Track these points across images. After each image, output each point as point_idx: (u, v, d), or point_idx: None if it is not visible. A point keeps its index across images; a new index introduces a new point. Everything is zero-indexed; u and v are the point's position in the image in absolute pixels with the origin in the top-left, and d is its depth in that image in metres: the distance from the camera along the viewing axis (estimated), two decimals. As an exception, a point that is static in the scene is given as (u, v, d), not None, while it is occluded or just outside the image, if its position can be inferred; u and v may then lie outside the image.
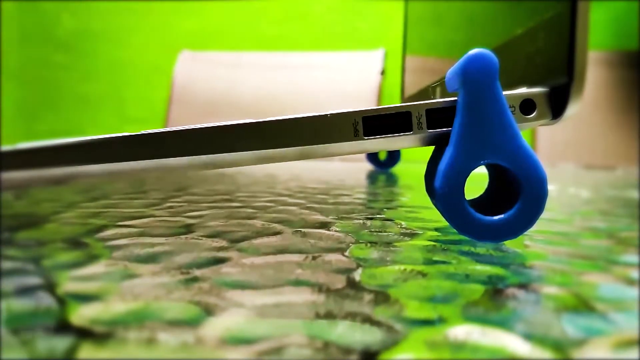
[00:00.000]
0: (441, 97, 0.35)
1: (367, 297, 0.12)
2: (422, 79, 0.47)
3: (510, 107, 0.17)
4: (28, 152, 0.17)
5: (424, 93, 0.42)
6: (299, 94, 1.01)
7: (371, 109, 0.17)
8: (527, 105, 0.18)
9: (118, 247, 0.17)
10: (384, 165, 0.58)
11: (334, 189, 0.37)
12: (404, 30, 0.57)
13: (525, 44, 0.21)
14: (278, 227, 0.20)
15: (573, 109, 0.17)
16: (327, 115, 0.17)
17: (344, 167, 0.64)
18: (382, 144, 0.18)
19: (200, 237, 0.18)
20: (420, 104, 0.17)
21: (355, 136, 0.17)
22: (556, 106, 0.18)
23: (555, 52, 0.18)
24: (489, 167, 0.20)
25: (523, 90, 0.18)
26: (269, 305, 0.12)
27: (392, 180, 0.48)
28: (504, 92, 0.17)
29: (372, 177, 0.51)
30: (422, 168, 0.25)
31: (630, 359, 0.09)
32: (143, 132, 0.17)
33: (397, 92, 1.05)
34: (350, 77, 1.02)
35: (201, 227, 0.20)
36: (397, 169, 0.61)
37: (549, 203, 0.31)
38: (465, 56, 0.17)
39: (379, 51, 1.01)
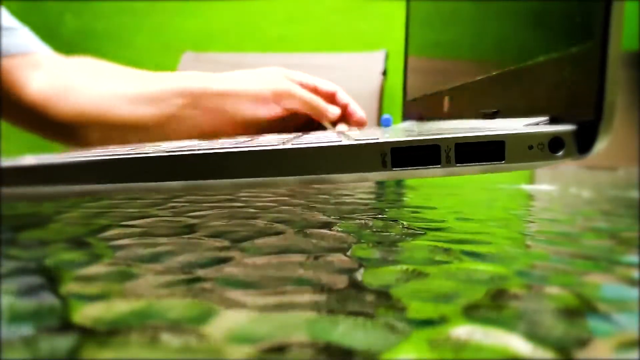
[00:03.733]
0: (449, 107, 0.35)
1: (369, 297, 0.12)
2: (425, 80, 0.47)
3: (538, 144, 0.17)
4: (60, 167, 0.17)
5: (430, 100, 0.42)
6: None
7: (400, 141, 0.17)
8: (555, 143, 0.17)
9: (121, 247, 0.17)
10: None
11: (336, 188, 0.37)
12: (406, 30, 0.57)
13: (551, 73, 0.20)
14: (280, 227, 0.20)
15: (601, 146, 0.17)
16: (355, 144, 0.17)
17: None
18: (409, 175, 0.18)
19: (202, 237, 0.18)
20: (450, 137, 0.17)
21: (384, 167, 0.17)
22: (583, 142, 0.17)
23: (583, 87, 0.17)
24: None
25: (551, 127, 0.17)
26: (271, 305, 0.12)
27: (395, 180, 0.48)
28: (533, 129, 0.17)
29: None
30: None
31: None
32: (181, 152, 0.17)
33: (399, 92, 1.05)
34: (352, 78, 1.02)
35: (203, 227, 0.20)
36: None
37: (551, 203, 0.31)
38: None
39: (380, 52, 1.01)
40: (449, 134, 0.18)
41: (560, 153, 0.17)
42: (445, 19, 0.38)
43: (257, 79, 0.44)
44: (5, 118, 0.46)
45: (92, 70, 0.48)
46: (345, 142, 0.17)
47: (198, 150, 0.18)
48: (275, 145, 0.17)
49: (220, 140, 0.24)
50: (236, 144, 0.19)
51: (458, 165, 0.17)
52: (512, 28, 0.24)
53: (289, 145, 0.17)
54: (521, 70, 0.22)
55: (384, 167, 0.17)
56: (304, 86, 0.48)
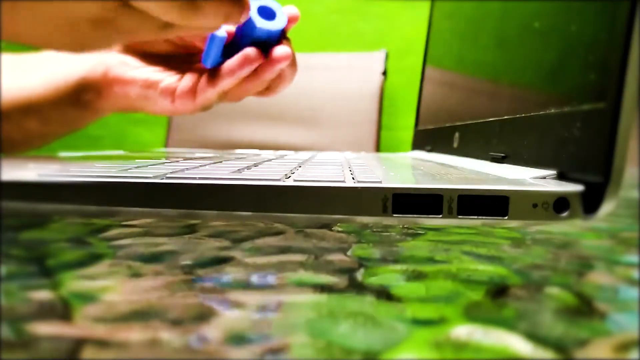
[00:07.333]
0: (459, 143, 0.35)
1: (369, 296, 0.12)
2: (441, 92, 0.47)
3: (543, 204, 0.17)
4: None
5: (441, 132, 0.42)
6: (301, 95, 1.01)
7: (403, 187, 0.17)
8: (560, 204, 0.17)
9: (122, 247, 0.17)
10: None
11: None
12: (427, 40, 0.57)
13: (563, 126, 0.19)
14: (280, 226, 0.20)
15: (607, 209, 0.16)
16: (358, 187, 0.17)
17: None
18: (408, 222, 0.18)
19: (203, 237, 0.18)
20: (453, 188, 0.17)
21: (384, 212, 0.17)
22: (589, 202, 0.17)
23: (593, 147, 0.17)
24: None
25: (558, 187, 0.17)
26: (272, 305, 0.12)
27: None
28: (539, 188, 0.17)
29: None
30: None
31: None
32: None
33: (398, 92, 1.05)
34: (352, 78, 1.02)
35: (204, 226, 0.20)
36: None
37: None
38: None
39: (380, 52, 1.01)
40: (453, 183, 0.17)
41: (565, 214, 0.17)
42: (470, 35, 0.38)
43: None
44: None
45: None
46: (348, 184, 0.17)
47: (199, 180, 0.18)
48: (278, 180, 0.18)
49: (224, 164, 0.24)
50: (239, 173, 0.19)
51: (460, 217, 0.17)
52: (529, 76, 0.24)
53: (291, 182, 0.17)
54: (534, 118, 0.22)
55: (384, 212, 0.17)
56: None
